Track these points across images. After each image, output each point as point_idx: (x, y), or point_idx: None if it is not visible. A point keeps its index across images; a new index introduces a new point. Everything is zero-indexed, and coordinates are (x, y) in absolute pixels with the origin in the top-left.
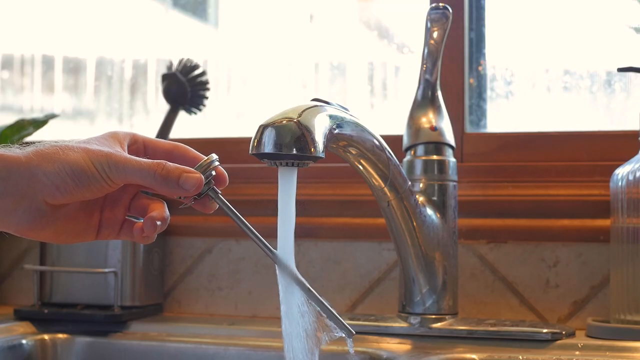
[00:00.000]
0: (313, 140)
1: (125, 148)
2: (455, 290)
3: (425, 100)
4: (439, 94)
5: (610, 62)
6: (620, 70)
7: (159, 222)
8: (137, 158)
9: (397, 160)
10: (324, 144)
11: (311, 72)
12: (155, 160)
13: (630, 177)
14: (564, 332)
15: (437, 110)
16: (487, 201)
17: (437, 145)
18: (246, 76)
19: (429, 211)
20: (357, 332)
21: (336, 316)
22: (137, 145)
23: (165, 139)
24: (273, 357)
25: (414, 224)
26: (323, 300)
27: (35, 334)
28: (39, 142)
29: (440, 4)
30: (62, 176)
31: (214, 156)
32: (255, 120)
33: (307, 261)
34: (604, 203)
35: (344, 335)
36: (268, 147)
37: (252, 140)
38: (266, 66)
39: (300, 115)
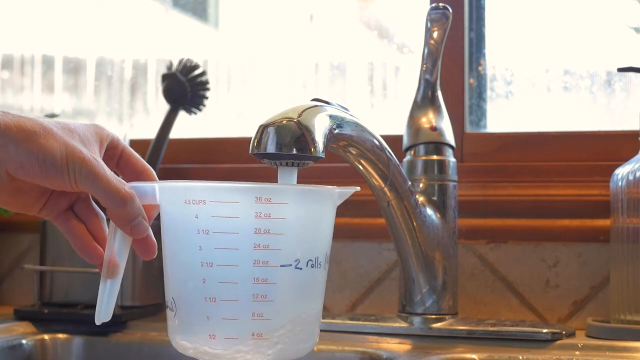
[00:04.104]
0: (313, 140)
1: (103, 150)
2: (455, 290)
3: (425, 100)
4: (439, 94)
5: (610, 62)
6: (620, 70)
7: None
8: (111, 176)
9: (397, 160)
10: (324, 143)
11: (311, 72)
12: (127, 190)
13: (630, 177)
14: (564, 332)
15: (437, 110)
16: (487, 201)
17: (437, 145)
18: (246, 76)
19: (429, 211)
20: (357, 332)
21: None
22: (114, 152)
23: (165, 139)
24: None
25: (414, 224)
26: None
27: (35, 334)
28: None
29: (440, 4)
30: (32, 159)
31: None
32: (255, 120)
33: None
34: (604, 203)
35: None
36: (268, 147)
37: (252, 140)
38: (266, 66)
39: (300, 115)
